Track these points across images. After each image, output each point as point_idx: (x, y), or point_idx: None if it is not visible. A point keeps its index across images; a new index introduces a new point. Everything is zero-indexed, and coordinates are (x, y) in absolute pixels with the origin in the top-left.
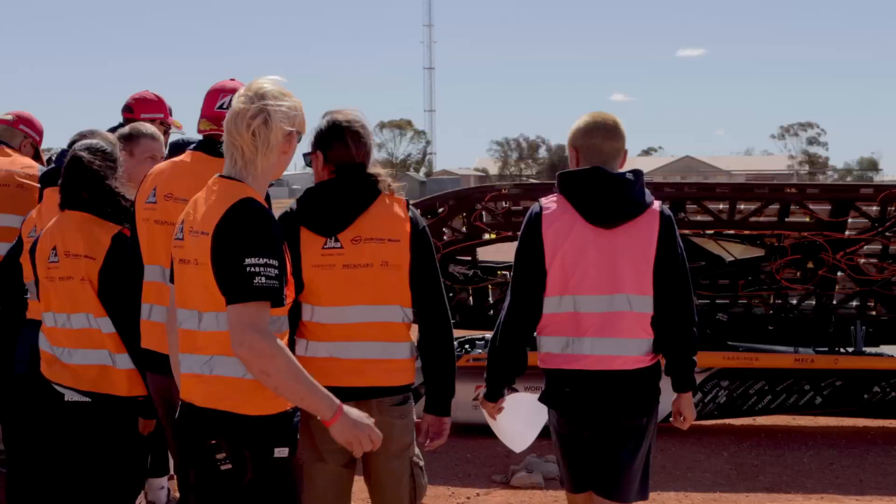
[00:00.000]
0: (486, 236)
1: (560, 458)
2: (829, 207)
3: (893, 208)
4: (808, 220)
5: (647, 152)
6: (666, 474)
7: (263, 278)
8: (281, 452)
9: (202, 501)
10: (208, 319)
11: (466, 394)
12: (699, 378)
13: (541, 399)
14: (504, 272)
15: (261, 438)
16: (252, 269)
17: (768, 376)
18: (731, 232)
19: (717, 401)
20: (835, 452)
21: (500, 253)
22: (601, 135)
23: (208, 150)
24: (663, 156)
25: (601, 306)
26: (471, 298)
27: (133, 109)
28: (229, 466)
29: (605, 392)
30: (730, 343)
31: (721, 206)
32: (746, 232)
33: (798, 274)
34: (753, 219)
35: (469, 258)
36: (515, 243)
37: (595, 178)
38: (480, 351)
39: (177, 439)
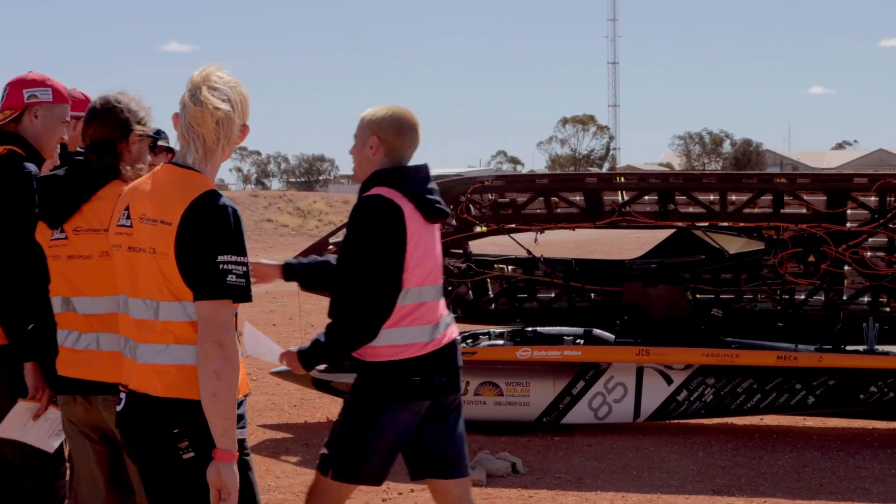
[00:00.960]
0: (477, 229)
1: (394, 453)
2: (825, 198)
3: (893, 198)
4: (804, 211)
5: (840, 146)
6: (623, 474)
7: (234, 276)
8: (242, 434)
9: (164, 491)
10: (167, 309)
11: None
12: (683, 375)
13: (399, 394)
14: (500, 265)
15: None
16: (225, 266)
17: (756, 374)
18: (727, 224)
19: (704, 399)
20: (818, 455)
21: (493, 246)
22: (411, 139)
23: None
24: (858, 149)
25: (436, 294)
26: (470, 292)
27: None
28: (192, 454)
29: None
30: (727, 339)
31: (712, 198)
32: (742, 224)
33: (801, 268)
34: (747, 210)
35: (461, 251)
36: (502, 237)
37: (428, 177)
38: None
39: (125, 431)
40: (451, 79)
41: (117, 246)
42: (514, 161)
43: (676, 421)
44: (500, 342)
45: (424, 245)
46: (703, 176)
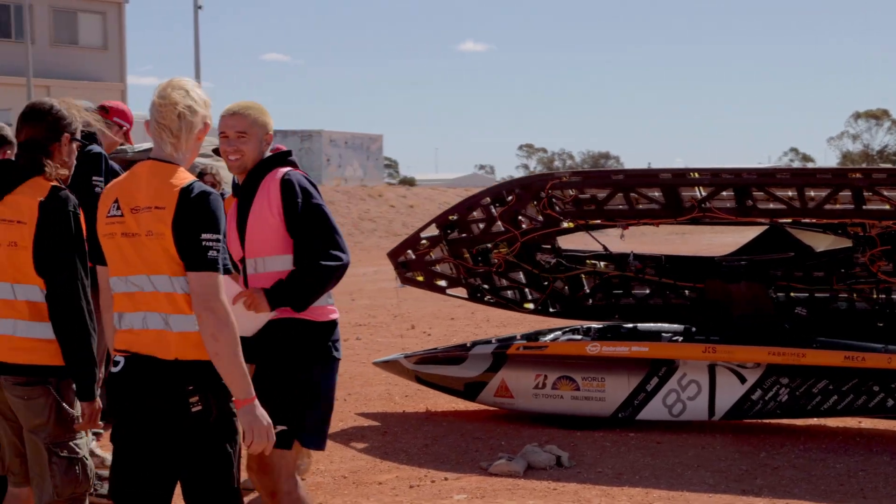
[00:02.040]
0: (565, 225)
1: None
2: None
3: None
4: (888, 207)
5: None
6: (666, 471)
7: (215, 252)
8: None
9: (170, 441)
10: (163, 282)
11: (527, 382)
12: (756, 374)
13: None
14: (593, 261)
15: (220, 380)
16: (206, 242)
17: (831, 375)
18: (810, 221)
19: (779, 399)
20: (886, 460)
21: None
22: None
23: None
24: None
25: None
26: (566, 288)
27: (108, 110)
28: (200, 408)
29: None
30: (818, 339)
31: (790, 194)
32: (825, 220)
33: (892, 266)
34: (829, 206)
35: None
36: (588, 233)
37: None
38: (545, 340)
39: (123, 389)
40: (742, 75)
41: (110, 234)
42: (806, 158)
43: (779, 421)
44: (578, 337)
45: None
46: (776, 171)
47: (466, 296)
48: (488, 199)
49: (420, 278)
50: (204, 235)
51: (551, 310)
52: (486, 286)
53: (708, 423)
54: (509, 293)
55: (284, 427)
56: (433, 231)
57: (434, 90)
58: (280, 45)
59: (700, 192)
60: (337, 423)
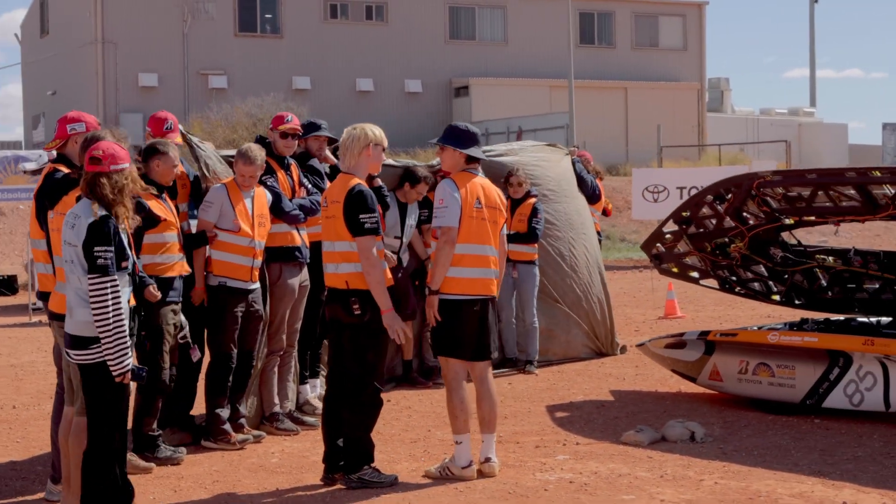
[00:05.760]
0: (786, 221)
1: None
2: None
3: None
4: None
5: None
6: (789, 454)
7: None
8: None
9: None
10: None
11: (733, 367)
12: None
13: None
14: (822, 256)
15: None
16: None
17: None
18: None
19: None
20: None
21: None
22: None
23: None
24: None
25: None
26: (804, 281)
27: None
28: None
29: None
30: None
31: None
32: None
33: None
34: None
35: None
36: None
37: None
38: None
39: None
40: None
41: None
42: None
43: None
44: (779, 326)
45: None
46: None
47: (718, 286)
48: (711, 196)
49: (675, 269)
50: (361, 216)
51: (796, 302)
52: (733, 278)
53: (886, 414)
54: (756, 285)
55: None
56: (673, 226)
57: None
58: None
59: (888, 190)
60: (578, 396)
